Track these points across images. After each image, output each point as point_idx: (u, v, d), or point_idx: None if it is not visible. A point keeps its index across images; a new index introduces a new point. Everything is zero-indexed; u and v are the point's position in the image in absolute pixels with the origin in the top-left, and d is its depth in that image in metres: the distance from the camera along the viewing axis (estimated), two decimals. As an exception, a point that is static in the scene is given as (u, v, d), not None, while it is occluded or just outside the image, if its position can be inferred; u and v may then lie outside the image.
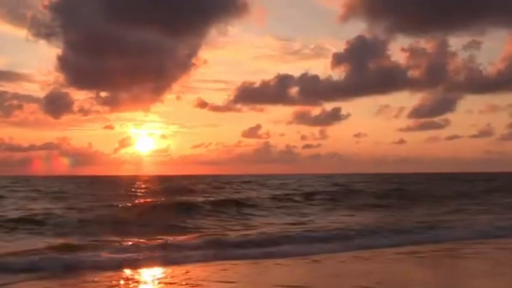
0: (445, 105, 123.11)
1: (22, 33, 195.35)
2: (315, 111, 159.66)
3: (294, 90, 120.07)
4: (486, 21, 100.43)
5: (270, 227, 19.71)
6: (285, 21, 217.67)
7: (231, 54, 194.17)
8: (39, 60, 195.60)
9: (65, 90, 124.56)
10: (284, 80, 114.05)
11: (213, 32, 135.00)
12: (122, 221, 20.66)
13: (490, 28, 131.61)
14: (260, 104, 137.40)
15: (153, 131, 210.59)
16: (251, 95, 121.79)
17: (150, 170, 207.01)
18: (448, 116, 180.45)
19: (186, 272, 11.21)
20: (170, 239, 15.53)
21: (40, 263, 11.76)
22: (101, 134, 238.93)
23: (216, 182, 68.55)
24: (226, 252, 13.52)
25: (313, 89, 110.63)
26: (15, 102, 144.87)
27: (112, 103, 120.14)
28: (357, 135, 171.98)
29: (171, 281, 10.35)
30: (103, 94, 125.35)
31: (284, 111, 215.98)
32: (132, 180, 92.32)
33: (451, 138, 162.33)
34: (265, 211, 27.04)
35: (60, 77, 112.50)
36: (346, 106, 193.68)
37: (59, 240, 15.65)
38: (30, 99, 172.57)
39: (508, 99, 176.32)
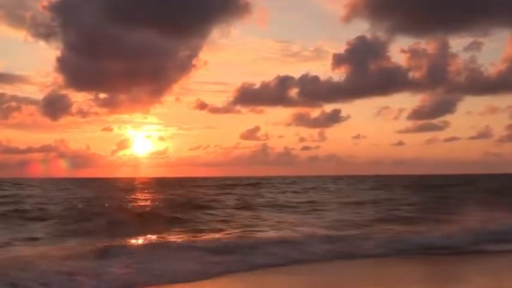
0: (445, 107, 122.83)
1: (21, 34, 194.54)
2: (315, 113, 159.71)
3: (293, 92, 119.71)
4: (488, 22, 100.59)
5: None
6: (285, 23, 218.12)
7: (231, 56, 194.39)
8: (37, 62, 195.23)
9: (63, 92, 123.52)
10: (284, 82, 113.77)
11: (213, 33, 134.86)
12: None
13: (491, 29, 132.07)
14: (259, 106, 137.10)
15: (151, 133, 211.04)
16: (251, 97, 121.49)
17: (148, 172, 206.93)
18: (448, 117, 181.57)
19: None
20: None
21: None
22: (99, 136, 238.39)
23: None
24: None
25: (313, 91, 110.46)
26: (13, 104, 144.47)
27: (111, 105, 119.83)
28: (356, 137, 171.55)
29: None
30: (102, 96, 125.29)
31: (284, 112, 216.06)
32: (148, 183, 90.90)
33: (449, 140, 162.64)
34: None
35: (59, 79, 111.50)
36: (346, 108, 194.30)
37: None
38: (28, 101, 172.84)
39: (509, 101, 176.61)
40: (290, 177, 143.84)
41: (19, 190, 52.39)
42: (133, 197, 41.03)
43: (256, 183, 75.16)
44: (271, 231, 17.50)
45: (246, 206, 29.01)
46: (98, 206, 26.37)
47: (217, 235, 16.65)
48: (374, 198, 36.83)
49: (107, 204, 28.34)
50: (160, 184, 78.65)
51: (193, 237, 16.21)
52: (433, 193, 42.78)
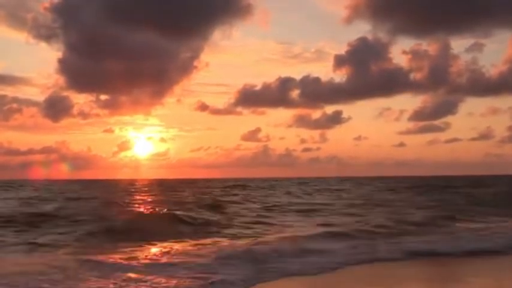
0: (446, 108, 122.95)
1: (22, 36, 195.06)
2: (316, 114, 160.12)
3: (295, 93, 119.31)
4: (489, 23, 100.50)
5: None
6: (286, 24, 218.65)
7: (232, 58, 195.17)
8: (39, 64, 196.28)
9: (64, 93, 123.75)
10: (285, 83, 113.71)
11: (215, 35, 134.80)
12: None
13: (493, 30, 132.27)
14: (261, 107, 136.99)
15: (152, 135, 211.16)
16: (252, 98, 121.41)
17: (149, 173, 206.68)
18: (449, 118, 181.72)
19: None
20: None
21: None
22: (100, 137, 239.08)
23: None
24: None
25: (315, 92, 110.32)
26: (14, 105, 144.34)
27: (112, 106, 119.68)
28: (357, 139, 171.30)
29: None
30: (103, 97, 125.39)
31: (285, 114, 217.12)
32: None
33: (451, 141, 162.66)
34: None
35: (60, 80, 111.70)
36: (347, 109, 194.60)
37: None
38: (29, 102, 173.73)
39: (510, 102, 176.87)
40: (294, 178, 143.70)
41: (25, 192, 51.86)
42: (147, 199, 40.23)
43: (269, 185, 74.45)
44: (303, 235, 16.83)
45: (267, 208, 28.44)
46: (114, 208, 25.73)
47: (248, 241, 15.74)
48: (398, 199, 36.31)
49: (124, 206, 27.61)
50: (166, 186, 78.01)
51: (227, 242, 15.53)
52: (448, 195, 42.19)
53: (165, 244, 14.90)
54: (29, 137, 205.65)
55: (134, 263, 11.55)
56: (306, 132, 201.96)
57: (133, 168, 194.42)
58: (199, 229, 18.77)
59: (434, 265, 13.15)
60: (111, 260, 11.76)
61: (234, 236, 17.23)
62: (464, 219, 22.80)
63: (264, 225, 20.83)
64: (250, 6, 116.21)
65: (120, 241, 15.25)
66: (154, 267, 11.11)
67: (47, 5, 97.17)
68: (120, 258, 11.93)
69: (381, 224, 19.94)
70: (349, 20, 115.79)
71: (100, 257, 11.96)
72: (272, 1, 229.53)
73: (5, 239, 16.37)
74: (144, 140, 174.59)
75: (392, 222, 20.60)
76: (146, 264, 11.39)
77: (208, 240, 15.90)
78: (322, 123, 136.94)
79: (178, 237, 16.46)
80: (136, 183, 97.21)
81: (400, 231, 18.47)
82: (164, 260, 11.97)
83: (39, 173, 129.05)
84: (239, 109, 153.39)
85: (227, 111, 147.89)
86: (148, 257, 12.42)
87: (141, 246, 14.44)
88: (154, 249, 13.77)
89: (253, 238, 16.39)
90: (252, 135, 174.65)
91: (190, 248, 14.19)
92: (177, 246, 14.44)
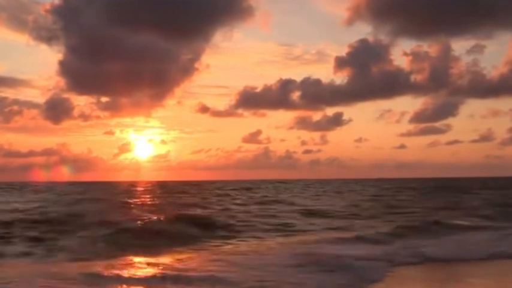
0: (447, 110, 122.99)
1: (23, 38, 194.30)
2: (317, 116, 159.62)
3: (295, 95, 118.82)
4: (490, 25, 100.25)
5: None
6: (287, 26, 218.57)
7: (233, 59, 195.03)
8: (39, 66, 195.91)
9: (65, 95, 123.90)
10: (286, 85, 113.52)
11: (216, 37, 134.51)
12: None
13: (494, 31, 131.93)
14: (262, 109, 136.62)
15: (153, 137, 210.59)
16: (253, 100, 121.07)
17: (150, 175, 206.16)
18: (450, 120, 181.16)
19: None
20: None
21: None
22: (101, 139, 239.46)
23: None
24: None
25: (315, 94, 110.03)
26: (15, 107, 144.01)
27: (113, 108, 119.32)
28: (358, 140, 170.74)
29: None
30: (104, 99, 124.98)
31: (286, 116, 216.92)
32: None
33: (452, 143, 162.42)
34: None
35: (61, 82, 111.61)
36: (348, 111, 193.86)
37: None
38: (30, 104, 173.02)
39: (511, 103, 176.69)
40: (295, 180, 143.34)
41: (27, 194, 51.18)
42: (156, 201, 38.89)
43: (274, 187, 73.88)
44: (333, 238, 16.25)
45: (284, 211, 27.65)
46: (125, 211, 24.90)
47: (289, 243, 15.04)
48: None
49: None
50: (169, 188, 77.15)
51: (267, 246, 14.64)
52: (455, 197, 41.56)
53: (187, 250, 14.15)
54: (29, 139, 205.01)
55: (160, 273, 10.43)
56: (306, 134, 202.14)
57: (134, 171, 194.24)
58: (226, 232, 18.05)
59: (454, 268, 12.69)
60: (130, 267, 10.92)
61: (273, 239, 16.52)
62: (480, 221, 22.36)
63: (287, 228, 20.07)
64: (251, 8, 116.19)
65: (142, 246, 14.41)
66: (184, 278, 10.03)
67: (47, 7, 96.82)
68: (147, 265, 11.10)
69: (405, 225, 19.41)
70: (350, 22, 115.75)
71: (117, 266, 11.03)
72: (273, 3, 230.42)
73: (11, 243, 15.73)
74: (145, 142, 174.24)
75: (415, 223, 20.07)
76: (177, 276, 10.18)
77: (245, 244, 15.26)
78: (323, 125, 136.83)
79: (203, 241, 15.68)
80: (139, 185, 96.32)
81: (423, 233, 17.91)
82: (199, 268, 10.99)
83: (40, 175, 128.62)
84: (240, 111, 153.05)
85: (228, 113, 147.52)
86: (177, 266, 11.35)
87: (168, 251, 13.63)
88: (183, 256, 12.88)
89: (295, 242, 15.67)
90: (253, 137, 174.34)
91: (222, 252, 13.35)
92: (203, 252, 13.62)
